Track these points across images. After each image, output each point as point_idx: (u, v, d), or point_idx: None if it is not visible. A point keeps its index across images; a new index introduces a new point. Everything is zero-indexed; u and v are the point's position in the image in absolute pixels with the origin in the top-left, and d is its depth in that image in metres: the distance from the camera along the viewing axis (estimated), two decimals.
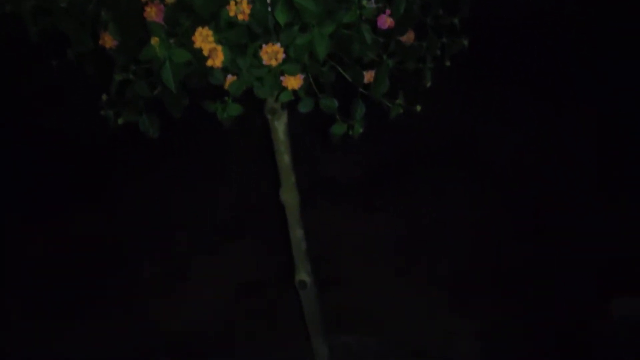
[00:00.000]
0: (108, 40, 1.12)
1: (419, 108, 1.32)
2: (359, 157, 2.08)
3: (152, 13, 1.02)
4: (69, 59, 1.25)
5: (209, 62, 1.04)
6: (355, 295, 1.95)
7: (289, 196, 1.56)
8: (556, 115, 2.08)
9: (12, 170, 2.19)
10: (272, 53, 1.11)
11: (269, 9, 1.06)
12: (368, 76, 1.28)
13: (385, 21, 1.10)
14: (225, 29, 1.03)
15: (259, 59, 1.12)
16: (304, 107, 1.25)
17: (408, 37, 1.29)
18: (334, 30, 1.08)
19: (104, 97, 1.23)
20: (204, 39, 1.03)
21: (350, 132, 1.28)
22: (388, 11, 1.09)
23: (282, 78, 1.16)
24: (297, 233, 1.61)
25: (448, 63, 1.29)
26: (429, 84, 1.29)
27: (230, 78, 1.17)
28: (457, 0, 1.27)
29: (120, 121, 1.23)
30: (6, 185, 2.15)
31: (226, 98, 1.21)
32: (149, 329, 1.94)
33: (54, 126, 2.14)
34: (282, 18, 1.01)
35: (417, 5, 1.20)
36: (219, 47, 1.03)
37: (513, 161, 2.15)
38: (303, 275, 1.64)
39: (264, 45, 1.10)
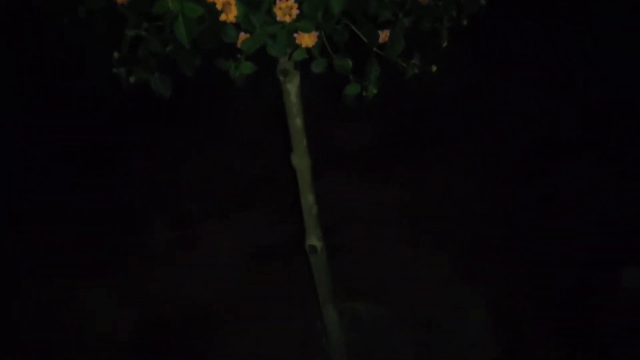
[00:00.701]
0: None
1: (434, 68, 1.29)
2: (371, 123, 2.06)
3: None
4: (80, 16, 1.24)
5: (222, 17, 1.02)
6: (366, 263, 1.95)
7: (301, 161, 1.55)
8: (575, 81, 2.03)
9: (24, 130, 2.18)
10: (286, 9, 1.09)
11: None
12: (383, 36, 1.25)
13: None
14: None
15: (273, 15, 1.10)
16: (317, 67, 1.23)
17: None
18: None
19: (116, 54, 1.22)
20: None
21: (364, 94, 1.27)
22: None
23: (295, 35, 1.14)
24: (308, 198, 1.61)
25: (465, 22, 1.27)
26: (445, 44, 1.27)
27: (243, 36, 1.15)
28: None
29: (132, 79, 1.22)
30: (15, 148, 2.14)
31: (239, 56, 1.19)
32: (160, 295, 1.95)
33: (66, 86, 2.12)
34: None
35: None
36: (233, 1, 1.01)
37: (526, 127, 2.11)
38: (314, 240, 1.64)
39: (277, 1, 1.09)
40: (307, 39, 1.15)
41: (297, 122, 1.49)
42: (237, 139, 2.23)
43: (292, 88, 1.44)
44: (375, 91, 1.27)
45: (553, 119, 2.14)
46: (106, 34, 1.22)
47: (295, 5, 1.08)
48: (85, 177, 2.18)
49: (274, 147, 2.04)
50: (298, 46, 1.16)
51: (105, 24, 1.21)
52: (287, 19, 1.09)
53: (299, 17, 1.10)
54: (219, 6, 1.01)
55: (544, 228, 2.00)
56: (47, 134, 2.22)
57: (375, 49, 1.26)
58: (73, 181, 2.17)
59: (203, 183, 2.15)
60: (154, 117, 2.05)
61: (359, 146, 2.16)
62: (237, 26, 1.12)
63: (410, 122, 2.12)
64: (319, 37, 1.18)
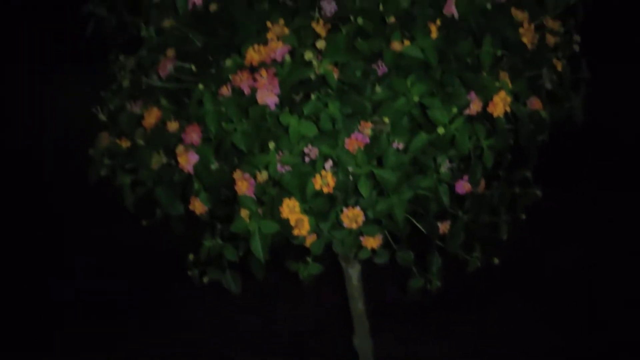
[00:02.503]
0: (198, 207, 1.19)
1: (496, 261, 1.32)
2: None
3: (243, 187, 1.08)
4: (157, 219, 1.33)
5: (296, 232, 1.08)
6: None
7: (363, 343, 1.55)
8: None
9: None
10: (352, 217, 1.14)
11: (351, 178, 1.12)
12: (443, 227, 1.30)
13: (464, 187, 1.13)
14: (310, 199, 1.09)
15: (340, 221, 1.17)
16: (380, 259, 1.27)
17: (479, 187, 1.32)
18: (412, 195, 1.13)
19: (191, 256, 1.30)
20: (291, 210, 1.08)
21: (429, 287, 1.29)
22: (466, 177, 1.13)
23: (361, 238, 1.19)
24: None
25: (523, 216, 1.31)
26: (505, 237, 1.30)
27: (310, 237, 1.21)
28: (527, 152, 1.30)
29: (205, 280, 1.28)
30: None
31: (308, 258, 1.25)
32: None
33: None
34: (365, 191, 1.06)
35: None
36: (305, 218, 1.07)
37: (585, 288, 2.10)
38: None
39: (344, 209, 1.15)
40: (372, 242, 1.20)
41: (359, 305, 1.51)
42: (298, 312, 2.25)
43: (353, 273, 1.48)
44: (438, 284, 1.29)
45: (607, 289, 2.11)
46: (182, 237, 1.30)
47: (361, 214, 1.14)
48: (132, 333, 2.18)
49: (335, 326, 2.05)
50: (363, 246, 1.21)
51: (181, 228, 1.30)
52: (354, 225, 1.14)
53: (364, 222, 1.16)
54: (292, 222, 1.08)
55: None
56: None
57: (436, 240, 1.30)
58: (117, 340, 2.17)
59: (261, 355, 2.15)
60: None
61: (414, 301, 2.14)
62: None
63: (470, 283, 2.12)
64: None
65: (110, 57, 1.42)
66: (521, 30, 1.06)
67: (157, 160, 1.18)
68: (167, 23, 1.10)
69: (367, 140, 1.03)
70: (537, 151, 1.29)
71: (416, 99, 0.98)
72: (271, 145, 1.01)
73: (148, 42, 1.14)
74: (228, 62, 1.04)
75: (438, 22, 1.04)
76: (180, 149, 1.05)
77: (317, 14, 1.12)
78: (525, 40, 1.05)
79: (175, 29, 1.12)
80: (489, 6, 1.03)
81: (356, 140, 1.04)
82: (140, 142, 1.16)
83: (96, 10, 1.29)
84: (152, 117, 1.10)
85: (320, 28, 1.07)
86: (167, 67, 1.12)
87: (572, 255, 1.79)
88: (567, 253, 1.76)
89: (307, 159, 1.07)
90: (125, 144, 1.20)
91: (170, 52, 1.12)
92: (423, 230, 1.30)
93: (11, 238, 1.92)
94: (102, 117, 1.20)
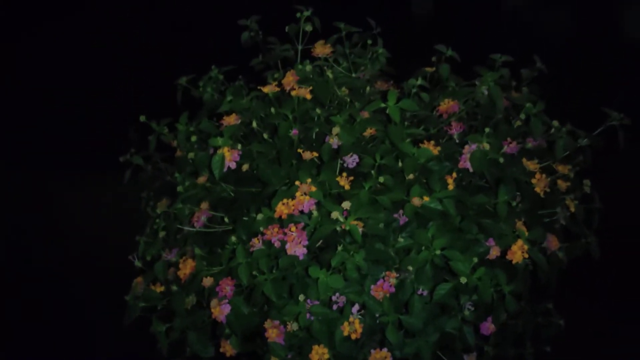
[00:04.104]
0: (229, 350, 1.22)
1: None
2: None
3: (273, 334, 1.12)
4: (187, 355, 1.36)
5: None
6: None
7: None
8: None
9: None
10: (380, 358, 1.17)
11: (377, 321, 1.15)
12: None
13: (489, 328, 1.16)
14: (339, 344, 1.12)
15: None
16: None
17: None
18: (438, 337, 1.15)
19: None
20: (320, 357, 1.11)
21: None
22: (490, 319, 1.16)
23: None
24: None
25: (548, 349, 1.32)
26: None
27: None
28: (547, 285, 1.33)
29: None
30: None
31: None
32: None
33: None
34: (393, 337, 1.09)
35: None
36: None
37: None
38: None
39: (372, 351, 1.18)
40: None
41: None
42: None
43: None
44: None
45: None
46: None
47: (389, 355, 1.15)
48: None
49: None
50: None
51: None
52: None
53: None
54: None
55: None
56: None
57: None
58: None
59: None
60: None
61: None
62: None
63: None
64: None
65: (142, 196, 1.51)
66: (534, 180, 1.13)
67: (190, 301, 1.23)
68: (201, 180, 1.19)
69: (393, 289, 1.07)
70: (555, 283, 1.32)
71: (438, 252, 1.04)
72: (301, 297, 1.06)
73: (183, 194, 1.22)
74: (259, 216, 1.11)
75: (454, 174, 1.11)
76: (214, 302, 1.10)
77: (339, 164, 1.20)
78: (538, 189, 1.11)
79: (208, 182, 1.21)
80: (501, 159, 1.10)
81: (382, 289, 1.09)
82: (175, 288, 1.21)
83: (133, 159, 1.38)
84: (187, 268, 1.16)
85: (343, 181, 1.15)
86: (201, 218, 1.19)
87: None
88: None
89: (334, 306, 1.11)
90: (159, 288, 1.26)
91: (204, 205, 1.20)
92: None
93: None
94: (138, 264, 1.26)
